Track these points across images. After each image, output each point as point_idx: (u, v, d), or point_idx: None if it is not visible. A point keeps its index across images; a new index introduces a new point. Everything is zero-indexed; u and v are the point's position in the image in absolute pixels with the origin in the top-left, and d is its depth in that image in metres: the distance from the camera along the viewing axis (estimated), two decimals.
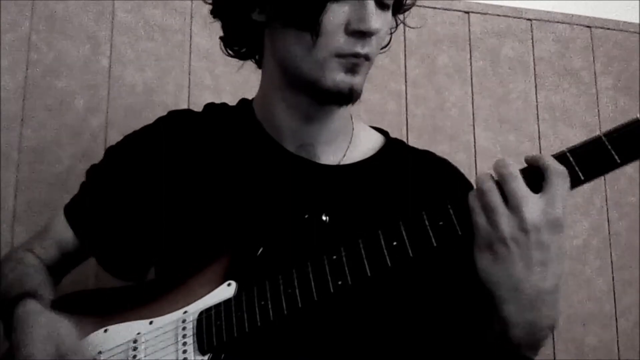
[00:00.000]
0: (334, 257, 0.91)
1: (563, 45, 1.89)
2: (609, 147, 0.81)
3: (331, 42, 0.98)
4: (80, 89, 1.56)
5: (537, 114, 1.83)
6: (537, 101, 1.84)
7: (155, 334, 0.98)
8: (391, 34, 1.12)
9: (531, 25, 1.88)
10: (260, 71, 1.16)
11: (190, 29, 1.65)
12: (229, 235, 1.03)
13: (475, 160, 1.76)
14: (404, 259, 0.88)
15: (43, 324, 0.95)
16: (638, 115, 0.81)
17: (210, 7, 1.13)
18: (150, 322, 1.00)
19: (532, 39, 1.87)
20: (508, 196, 0.82)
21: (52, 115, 1.54)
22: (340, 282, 0.90)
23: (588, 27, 1.91)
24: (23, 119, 1.52)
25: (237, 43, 1.14)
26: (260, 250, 0.98)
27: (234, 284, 0.97)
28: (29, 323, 0.96)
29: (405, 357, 1.00)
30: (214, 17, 1.13)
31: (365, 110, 1.65)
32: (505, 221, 0.82)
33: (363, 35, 0.98)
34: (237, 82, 1.59)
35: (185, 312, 0.98)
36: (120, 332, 1.00)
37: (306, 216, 1.00)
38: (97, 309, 1.05)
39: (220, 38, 1.15)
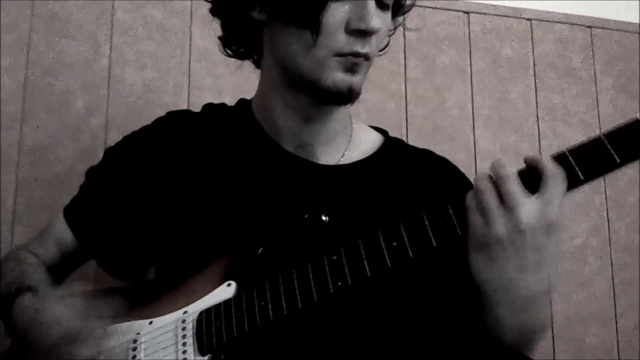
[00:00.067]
0: (334, 257, 0.91)
1: (563, 46, 1.89)
2: (609, 147, 0.81)
3: (331, 41, 0.98)
4: (80, 89, 1.56)
5: (537, 114, 1.83)
6: (536, 101, 1.84)
7: (155, 334, 0.98)
8: (390, 35, 1.12)
9: (531, 25, 1.88)
10: (259, 71, 1.16)
11: (190, 29, 1.65)
12: (229, 235, 1.03)
13: (475, 160, 1.76)
14: (404, 259, 0.88)
15: (41, 322, 0.95)
16: (638, 115, 0.81)
17: (209, 6, 1.13)
18: (150, 322, 1.00)
19: (532, 39, 1.87)
20: (504, 197, 0.82)
21: (52, 115, 1.54)
22: (340, 283, 0.90)
23: (588, 27, 1.91)
24: (23, 119, 1.52)
25: (236, 42, 1.14)
26: (260, 250, 0.98)
27: (233, 284, 0.97)
28: (26, 318, 0.96)
29: (405, 357, 1.00)
30: (213, 16, 1.12)
31: (365, 110, 1.65)
32: (501, 221, 0.82)
33: (363, 34, 0.98)
34: (236, 82, 1.59)
35: (185, 312, 0.98)
36: (119, 332, 1.00)
37: (306, 216, 0.99)
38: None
39: (219, 37, 1.15)
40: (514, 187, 0.82)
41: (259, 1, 1.04)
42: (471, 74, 1.81)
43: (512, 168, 0.83)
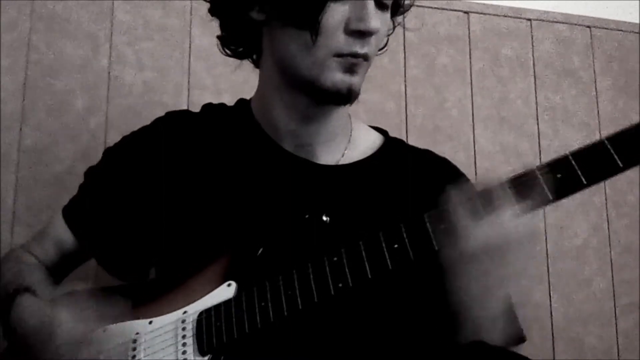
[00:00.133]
0: (335, 258, 0.91)
1: (563, 46, 1.89)
2: (612, 151, 0.81)
3: (330, 42, 0.98)
4: (80, 89, 1.56)
5: (537, 114, 1.83)
6: (536, 101, 1.84)
7: (154, 334, 0.98)
8: (389, 35, 1.12)
9: (531, 25, 1.88)
10: (258, 71, 1.15)
11: (190, 29, 1.65)
12: (229, 235, 1.03)
13: (475, 160, 1.76)
14: (405, 261, 0.88)
15: (40, 323, 0.95)
16: (639, 119, 0.80)
17: (209, 5, 1.12)
18: (150, 322, 1.00)
19: (531, 39, 1.87)
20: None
21: (51, 115, 1.54)
22: (340, 284, 0.89)
23: (588, 27, 1.91)
24: (23, 119, 1.52)
25: (235, 42, 1.14)
26: (260, 250, 0.98)
27: (233, 284, 0.97)
28: (25, 321, 0.96)
29: (405, 358, 1.00)
30: (212, 16, 1.12)
31: (364, 110, 1.65)
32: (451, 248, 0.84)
33: (362, 35, 0.98)
34: (236, 82, 1.59)
35: (185, 312, 0.98)
36: (119, 332, 1.00)
37: (306, 216, 1.00)
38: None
39: (218, 37, 1.15)
40: (460, 216, 0.83)
41: (258, 1, 1.04)
42: (471, 74, 1.81)
43: (463, 195, 0.84)
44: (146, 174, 1.13)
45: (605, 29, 1.92)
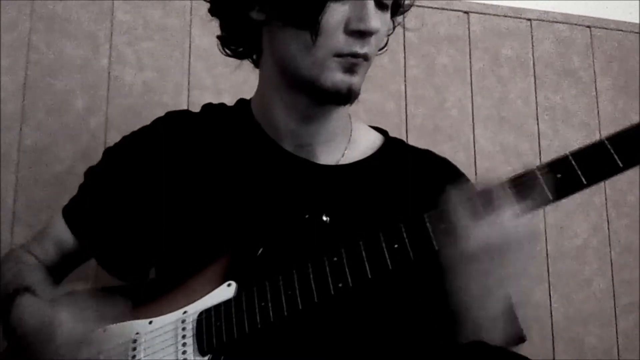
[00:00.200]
0: (335, 258, 0.91)
1: (563, 46, 1.89)
2: (612, 151, 0.81)
3: (330, 42, 0.98)
4: (80, 89, 1.56)
5: (537, 114, 1.83)
6: (536, 101, 1.84)
7: (154, 334, 0.98)
8: (388, 35, 1.12)
9: (531, 25, 1.88)
10: (258, 71, 1.15)
11: (190, 29, 1.65)
12: (229, 235, 1.03)
13: (475, 160, 1.76)
14: (405, 261, 0.88)
15: (40, 324, 0.95)
16: (639, 119, 0.80)
17: (209, 5, 1.12)
18: (150, 322, 1.00)
19: (531, 39, 1.87)
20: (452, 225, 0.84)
21: (51, 115, 1.54)
22: (340, 284, 0.89)
23: (588, 27, 1.91)
24: (23, 119, 1.52)
25: (235, 42, 1.14)
26: (260, 250, 0.98)
27: (233, 284, 0.97)
28: (26, 321, 0.96)
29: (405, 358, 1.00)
30: (212, 16, 1.12)
31: (364, 110, 1.65)
32: (451, 248, 0.84)
33: (362, 35, 0.98)
34: (236, 82, 1.59)
35: (184, 312, 0.98)
36: (119, 332, 1.00)
37: (306, 216, 0.99)
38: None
39: (218, 37, 1.15)
40: (460, 216, 0.83)
41: (258, 1, 1.03)
42: (471, 74, 1.81)
43: (463, 195, 0.84)
44: (146, 174, 1.12)
45: (605, 29, 1.92)
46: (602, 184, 1.79)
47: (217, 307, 0.96)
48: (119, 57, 1.59)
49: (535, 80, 1.85)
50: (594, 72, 1.89)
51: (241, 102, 1.20)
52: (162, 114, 1.21)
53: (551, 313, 1.74)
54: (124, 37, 1.61)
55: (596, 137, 0.83)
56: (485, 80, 1.82)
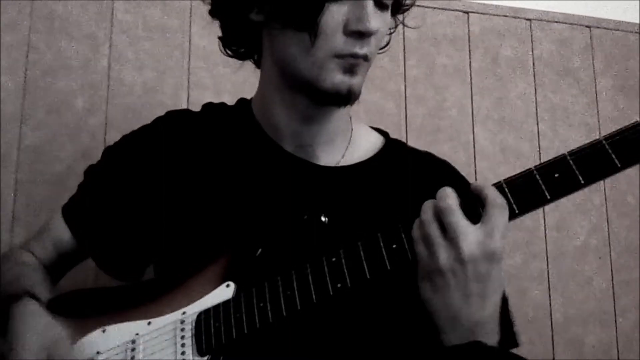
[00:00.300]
0: (333, 259, 0.91)
1: (562, 45, 1.89)
2: (610, 151, 0.81)
3: (329, 43, 0.98)
4: (80, 89, 1.56)
5: (537, 114, 1.83)
6: (536, 101, 1.84)
7: (153, 335, 0.98)
8: (390, 34, 1.12)
9: (530, 25, 1.87)
10: (259, 71, 1.15)
11: (190, 29, 1.65)
12: (228, 235, 1.03)
13: (475, 160, 1.76)
14: (403, 262, 0.88)
15: (36, 328, 0.94)
16: (638, 119, 0.81)
17: (209, 6, 1.12)
18: (149, 323, 1.00)
19: (531, 39, 1.87)
20: (446, 228, 0.84)
21: (51, 115, 1.54)
22: (339, 285, 0.89)
23: (587, 27, 1.91)
24: (22, 119, 1.52)
25: (236, 43, 1.14)
26: (259, 251, 0.98)
27: (232, 285, 0.97)
28: (22, 326, 0.95)
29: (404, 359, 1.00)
30: (212, 17, 1.12)
31: (364, 111, 1.65)
32: (443, 252, 0.84)
33: (362, 35, 0.98)
34: (236, 82, 1.59)
35: (183, 313, 0.98)
36: (118, 333, 1.00)
37: (305, 217, 0.99)
38: (95, 308, 1.05)
39: (219, 38, 1.15)
40: (456, 219, 0.83)
41: (257, 3, 1.03)
42: (471, 74, 1.81)
43: (454, 199, 0.85)
44: (146, 174, 1.13)
45: (605, 28, 1.92)
46: (601, 184, 1.81)
47: (216, 308, 0.96)
48: (118, 57, 1.59)
49: (535, 80, 1.85)
50: (594, 72, 1.89)
51: (242, 101, 1.20)
52: (162, 113, 1.21)
53: (551, 313, 1.74)
54: (124, 37, 1.61)
55: (596, 137, 0.83)
56: (485, 80, 1.82)
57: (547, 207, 1.73)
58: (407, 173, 1.11)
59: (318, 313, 0.92)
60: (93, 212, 1.16)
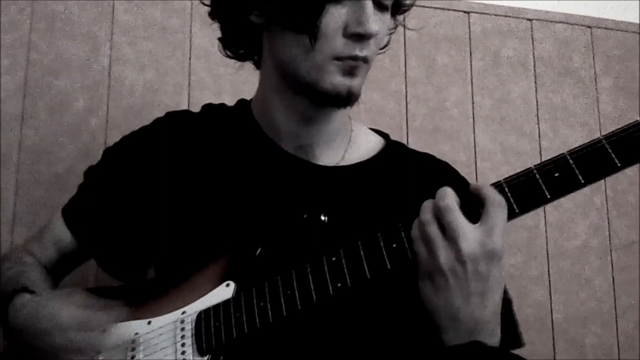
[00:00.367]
0: (334, 258, 0.91)
1: (563, 45, 1.89)
2: (610, 150, 0.81)
3: (329, 45, 0.98)
4: (80, 89, 1.56)
5: (537, 114, 1.83)
6: (537, 101, 1.84)
7: (153, 335, 0.98)
8: (390, 34, 1.12)
9: (531, 25, 1.87)
10: (259, 72, 1.15)
11: (190, 29, 1.65)
12: (228, 235, 1.03)
13: (476, 160, 1.76)
14: (404, 261, 0.88)
15: (38, 315, 0.95)
16: (638, 118, 0.81)
17: (209, 8, 1.12)
18: (149, 322, 1.00)
19: (532, 39, 1.87)
20: (445, 228, 0.84)
21: (52, 116, 1.54)
22: (339, 285, 0.89)
23: (588, 27, 1.91)
24: (23, 119, 1.52)
25: (236, 44, 1.14)
26: (259, 250, 0.98)
27: (232, 284, 0.97)
28: (27, 314, 0.96)
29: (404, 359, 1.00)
30: (212, 19, 1.12)
31: (365, 111, 1.65)
32: (443, 252, 0.84)
33: (361, 38, 0.98)
34: (237, 82, 1.59)
35: (183, 312, 0.98)
36: (118, 332, 1.00)
37: (305, 216, 0.99)
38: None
39: (219, 39, 1.15)
40: (455, 218, 0.83)
41: (257, 5, 1.03)
42: (471, 74, 1.81)
43: (453, 199, 0.85)
44: (146, 174, 1.13)
45: (606, 28, 1.92)
46: (602, 184, 1.81)
47: (216, 308, 0.96)
48: (119, 57, 1.59)
49: (535, 80, 1.85)
50: (595, 72, 1.89)
51: (241, 102, 1.20)
52: (162, 114, 1.21)
53: (551, 313, 1.74)
54: (125, 37, 1.61)
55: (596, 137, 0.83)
56: (485, 80, 1.82)
57: (547, 207, 1.74)
58: (408, 173, 1.11)
59: (318, 313, 0.92)
60: (93, 212, 1.16)
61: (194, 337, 0.95)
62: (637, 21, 1.92)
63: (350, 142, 1.14)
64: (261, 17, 1.04)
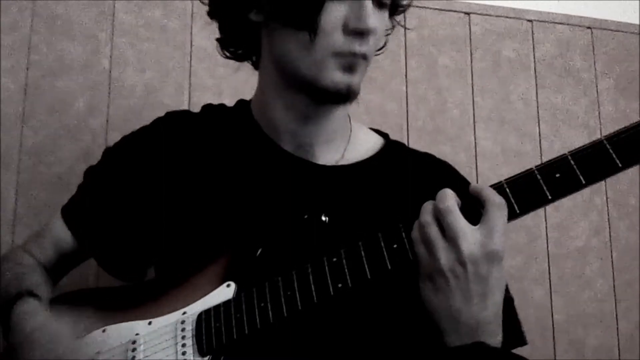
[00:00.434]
0: (334, 259, 0.91)
1: (564, 46, 1.89)
2: (611, 151, 0.81)
3: (329, 42, 0.98)
4: (81, 90, 1.56)
5: (538, 115, 1.83)
6: (537, 102, 1.84)
7: (154, 335, 0.98)
8: (388, 34, 1.12)
9: (532, 26, 1.87)
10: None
11: (191, 30, 1.65)
12: (228, 235, 1.03)
13: (476, 161, 1.76)
14: (404, 261, 0.88)
15: (40, 325, 0.95)
16: (639, 119, 0.81)
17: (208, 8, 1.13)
18: (149, 323, 1.00)
19: (532, 39, 1.87)
20: (445, 229, 0.84)
21: (52, 116, 1.54)
22: (340, 285, 0.89)
23: (589, 28, 1.91)
24: (24, 120, 1.52)
25: (235, 44, 1.14)
26: (260, 250, 0.98)
27: (233, 285, 0.97)
28: (26, 324, 0.96)
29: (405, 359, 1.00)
30: (212, 18, 1.13)
31: (365, 111, 1.65)
32: (443, 254, 0.84)
33: (361, 34, 0.98)
34: (237, 83, 1.59)
35: (184, 313, 0.98)
36: (119, 333, 1.00)
37: (305, 216, 0.99)
38: (95, 308, 1.05)
39: (217, 39, 1.15)
40: (455, 219, 0.84)
41: (256, 3, 1.04)
42: (472, 75, 1.81)
43: (453, 201, 0.85)
44: (146, 174, 1.13)
45: (606, 29, 1.92)
46: (603, 184, 1.81)
47: (216, 308, 0.96)
48: (119, 58, 1.59)
49: (536, 81, 1.85)
50: (595, 73, 1.89)
51: (241, 102, 1.20)
52: (162, 114, 1.21)
53: (552, 314, 1.74)
54: (125, 38, 1.61)
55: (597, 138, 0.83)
56: (486, 81, 1.82)
57: (548, 208, 1.73)
58: (408, 173, 1.11)
59: (319, 313, 0.92)
60: (93, 212, 1.16)
61: (194, 337, 0.95)
62: (638, 22, 1.92)
63: (350, 141, 1.14)
64: (260, 15, 1.05)
